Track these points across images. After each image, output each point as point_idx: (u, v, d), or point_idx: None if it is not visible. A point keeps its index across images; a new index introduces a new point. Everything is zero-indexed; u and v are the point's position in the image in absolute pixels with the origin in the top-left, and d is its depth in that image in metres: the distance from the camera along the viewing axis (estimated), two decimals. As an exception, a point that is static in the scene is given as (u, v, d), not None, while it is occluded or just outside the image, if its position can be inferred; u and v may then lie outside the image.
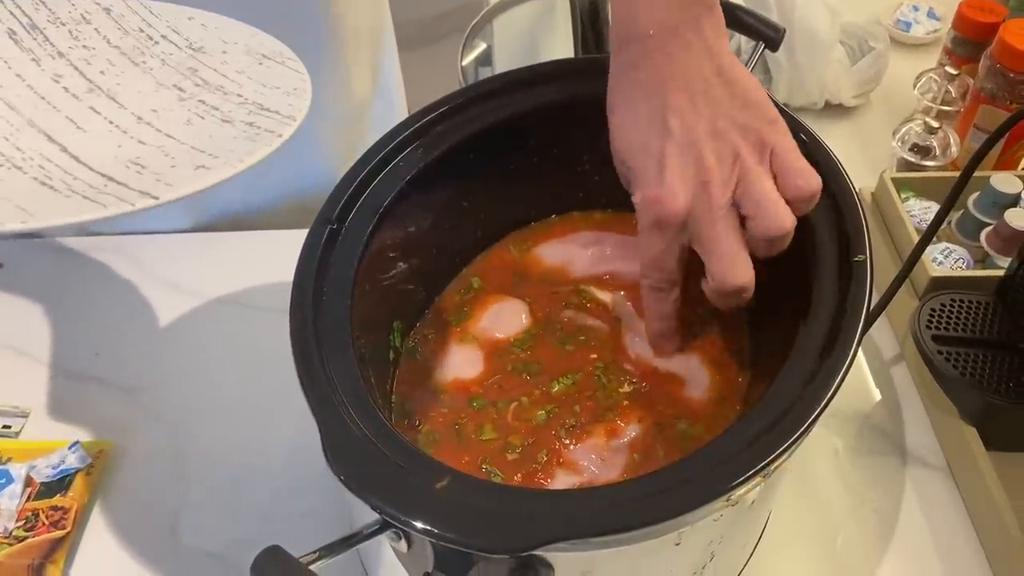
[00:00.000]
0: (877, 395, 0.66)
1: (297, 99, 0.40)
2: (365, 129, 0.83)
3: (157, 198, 0.32)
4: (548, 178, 0.59)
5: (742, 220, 0.44)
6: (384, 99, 0.85)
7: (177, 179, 0.34)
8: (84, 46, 0.38)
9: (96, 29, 0.38)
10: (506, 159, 0.57)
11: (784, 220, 0.43)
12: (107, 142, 0.35)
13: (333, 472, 0.37)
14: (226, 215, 0.80)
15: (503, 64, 1.07)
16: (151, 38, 0.39)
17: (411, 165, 0.52)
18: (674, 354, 0.53)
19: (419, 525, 0.35)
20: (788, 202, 0.44)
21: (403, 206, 0.51)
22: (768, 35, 0.56)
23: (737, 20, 0.57)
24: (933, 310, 0.62)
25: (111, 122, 0.36)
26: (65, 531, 0.55)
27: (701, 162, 0.43)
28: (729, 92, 0.45)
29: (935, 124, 0.77)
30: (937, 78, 0.82)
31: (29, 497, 0.57)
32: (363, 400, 0.41)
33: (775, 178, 0.44)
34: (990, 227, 0.69)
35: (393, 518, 0.36)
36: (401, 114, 0.89)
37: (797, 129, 0.49)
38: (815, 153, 0.49)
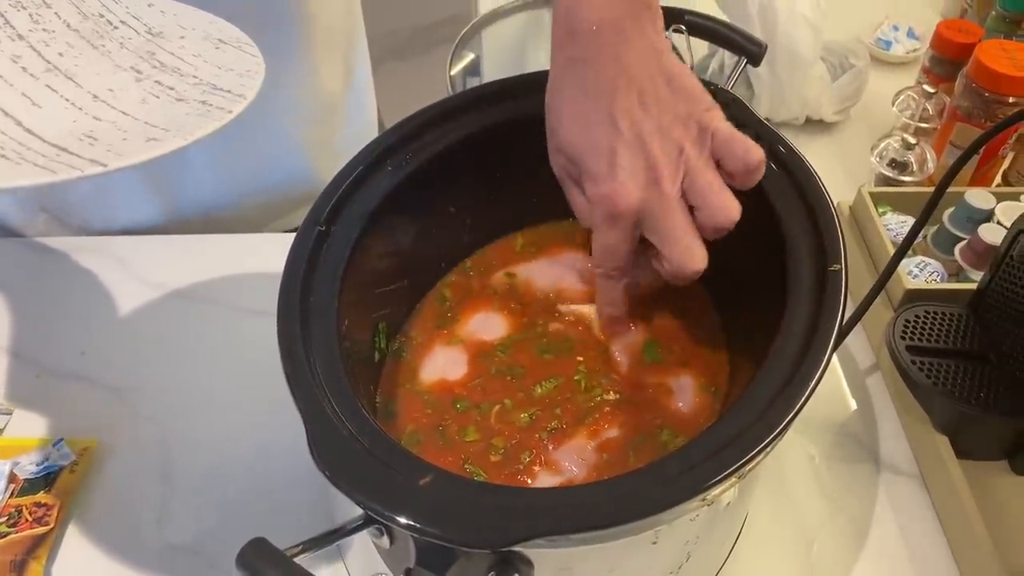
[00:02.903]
0: (852, 404, 0.67)
1: (250, 79, 0.41)
2: (335, 128, 0.84)
3: (106, 165, 0.34)
4: (533, 186, 0.60)
5: (690, 209, 0.46)
6: (355, 99, 0.86)
7: (127, 149, 0.35)
8: (44, 29, 0.38)
9: (56, 13, 0.39)
10: (492, 166, 0.58)
11: (730, 209, 0.46)
12: (62, 118, 0.36)
13: (319, 468, 0.38)
14: (198, 206, 0.81)
15: (491, 74, 1.09)
16: (111, 23, 0.40)
17: (400, 170, 0.53)
18: (624, 335, 0.55)
19: (402, 520, 0.36)
20: (737, 174, 0.46)
21: (391, 210, 0.52)
22: (751, 50, 0.57)
23: (720, 35, 0.59)
24: (908, 321, 0.63)
25: (67, 100, 0.37)
26: (48, 527, 0.56)
27: (650, 159, 0.45)
28: (671, 88, 0.47)
29: (912, 140, 0.78)
30: (915, 96, 0.84)
31: (12, 493, 0.57)
32: (348, 398, 0.42)
33: (720, 161, 0.47)
34: (964, 242, 0.71)
35: (377, 513, 0.37)
36: (371, 116, 0.90)
37: (776, 142, 0.50)
38: (793, 165, 0.50)
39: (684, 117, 0.46)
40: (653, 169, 0.45)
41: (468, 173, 0.56)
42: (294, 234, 0.72)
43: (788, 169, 0.50)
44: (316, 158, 0.83)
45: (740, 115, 0.52)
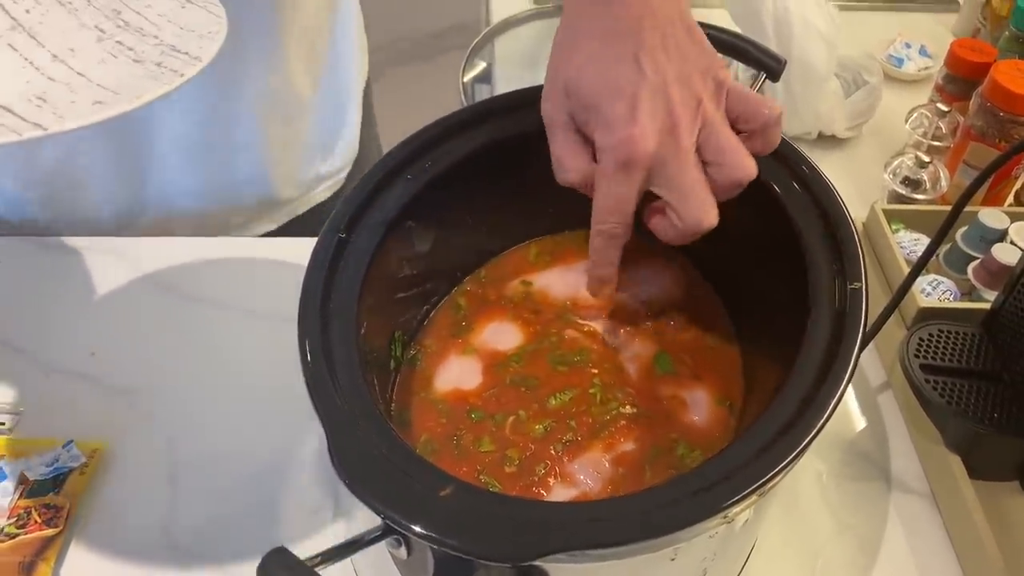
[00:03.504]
0: (863, 421, 0.67)
1: (209, 42, 0.41)
2: (304, 129, 0.83)
3: (46, 129, 0.34)
4: (548, 196, 0.60)
5: (703, 165, 0.45)
6: (330, 106, 0.85)
7: (71, 112, 0.35)
8: None
9: None
10: (508, 176, 0.58)
11: (748, 167, 0.45)
12: (17, 78, 0.36)
13: (339, 476, 0.38)
14: (160, 198, 0.80)
15: (503, 82, 1.09)
16: None
17: (419, 179, 0.52)
18: (610, 298, 0.54)
19: (422, 531, 0.36)
20: (756, 133, 0.46)
21: (410, 219, 0.52)
22: (770, 66, 0.57)
23: (740, 50, 0.58)
24: (921, 339, 0.63)
25: (26, 59, 0.36)
26: (57, 529, 0.55)
27: (670, 106, 0.44)
28: (692, 39, 0.46)
29: (926, 159, 0.79)
30: (928, 114, 0.84)
31: (21, 495, 0.57)
32: (368, 406, 0.41)
33: (737, 118, 0.46)
34: (977, 261, 0.71)
35: (396, 523, 0.36)
36: (352, 131, 0.90)
37: (799, 161, 0.50)
38: (813, 181, 0.50)
39: (703, 69, 0.45)
40: (672, 116, 0.44)
41: (485, 183, 0.56)
42: (303, 239, 0.72)
43: (808, 185, 0.50)
44: (277, 161, 0.81)
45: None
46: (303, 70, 0.79)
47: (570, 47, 0.47)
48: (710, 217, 0.45)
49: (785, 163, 0.50)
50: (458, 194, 0.55)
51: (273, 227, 0.85)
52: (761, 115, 0.46)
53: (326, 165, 0.87)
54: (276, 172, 0.82)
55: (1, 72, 0.35)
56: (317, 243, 0.48)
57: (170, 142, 0.76)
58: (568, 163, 0.48)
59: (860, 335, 0.43)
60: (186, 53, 0.39)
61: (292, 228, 0.86)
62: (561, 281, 0.60)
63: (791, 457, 0.38)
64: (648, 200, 0.47)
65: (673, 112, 0.44)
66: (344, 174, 0.90)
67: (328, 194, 0.88)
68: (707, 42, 0.47)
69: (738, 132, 0.46)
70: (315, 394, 0.41)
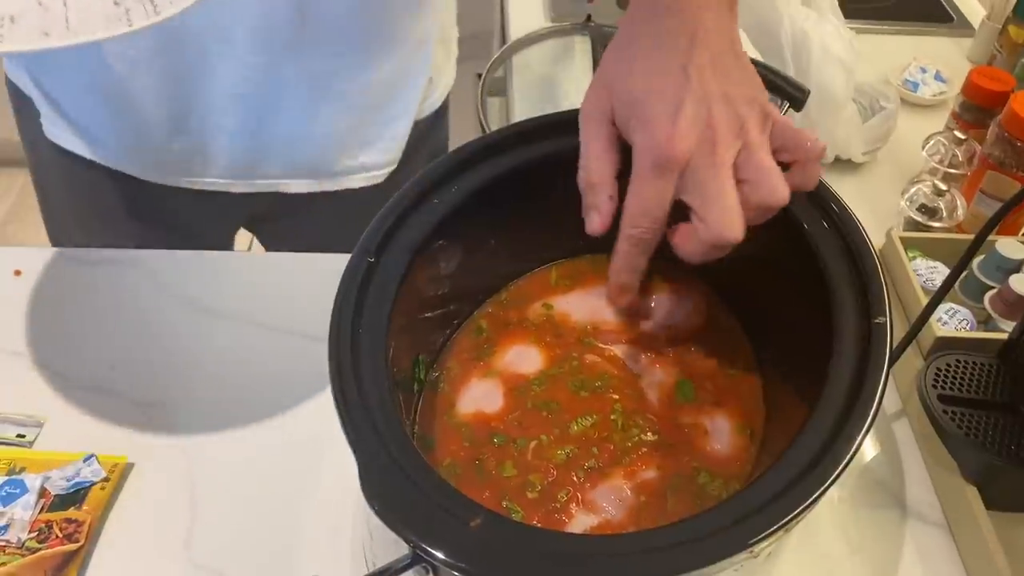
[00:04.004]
0: (878, 448, 0.67)
1: (178, 1, 0.41)
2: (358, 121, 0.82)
3: None
4: (571, 220, 0.60)
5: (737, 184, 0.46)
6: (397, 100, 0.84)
7: (20, 37, 0.35)
8: None
9: None
10: (532, 201, 0.58)
11: (783, 191, 0.46)
12: None
13: (368, 502, 0.38)
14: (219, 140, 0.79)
15: (520, 98, 1.09)
16: None
17: (445, 203, 0.53)
18: (630, 306, 0.55)
19: (454, 561, 0.36)
20: (796, 166, 0.47)
21: (437, 242, 0.52)
22: (795, 96, 0.58)
23: (766, 79, 0.59)
24: (939, 369, 0.64)
25: None
26: (78, 544, 0.56)
27: (711, 119, 0.45)
28: (739, 64, 0.47)
29: (943, 187, 0.79)
30: (945, 141, 0.85)
31: (43, 508, 0.57)
32: (398, 432, 0.42)
33: (778, 148, 0.47)
34: (994, 290, 0.71)
35: (427, 553, 0.37)
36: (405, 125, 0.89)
37: (829, 200, 0.51)
38: (843, 221, 0.50)
39: (749, 96, 0.46)
40: (712, 129, 0.45)
41: (509, 207, 0.57)
42: (326, 255, 0.72)
43: (835, 222, 0.51)
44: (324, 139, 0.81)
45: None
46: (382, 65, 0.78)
47: (623, 51, 0.48)
48: (734, 229, 0.45)
49: (814, 198, 0.51)
50: (483, 218, 0.55)
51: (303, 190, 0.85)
52: (804, 148, 0.47)
53: (364, 156, 0.85)
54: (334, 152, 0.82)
55: None
56: (347, 266, 0.48)
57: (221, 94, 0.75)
58: (593, 158, 0.49)
59: (885, 371, 0.44)
60: (155, 5, 0.39)
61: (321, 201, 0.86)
62: (582, 305, 0.60)
63: (816, 495, 0.39)
64: (675, 219, 0.48)
65: (713, 124, 0.45)
66: (383, 172, 0.88)
67: (364, 183, 0.87)
68: (756, 74, 0.48)
69: (779, 164, 0.47)
70: (346, 419, 0.41)
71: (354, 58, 0.76)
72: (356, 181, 0.86)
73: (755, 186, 0.45)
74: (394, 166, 0.87)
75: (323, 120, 0.79)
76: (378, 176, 0.87)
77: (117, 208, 0.86)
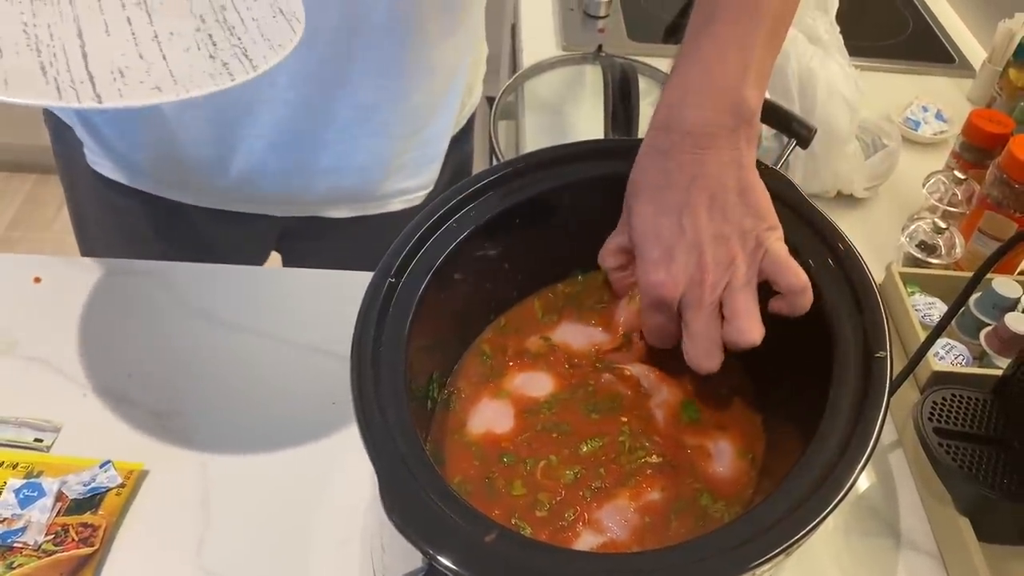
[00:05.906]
0: (873, 478, 0.69)
1: (273, 55, 0.43)
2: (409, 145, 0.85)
3: (101, 103, 0.36)
4: (581, 244, 0.62)
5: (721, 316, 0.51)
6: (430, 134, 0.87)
7: (131, 93, 0.37)
8: None
9: None
10: (546, 226, 0.60)
11: (751, 333, 0.50)
12: (117, 50, 0.38)
13: (387, 515, 0.40)
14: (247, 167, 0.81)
15: (531, 123, 1.12)
16: None
17: (463, 226, 0.55)
18: (630, 328, 0.59)
19: (468, 574, 0.38)
20: (785, 294, 0.50)
21: (453, 264, 0.54)
22: (802, 135, 0.60)
23: (774, 117, 0.61)
24: (935, 403, 0.66)
25: (134, 34, 0.39)
26: (94, 548, 0.57)
27: (701, 262, 0.50)
28: (743, 201, 0.51)
29: (943, 225, 0.81)
30: (945, 180, 0.87)
31: (59, 512, 0.59)
32: (416, 447, 0.43)
33: (769, 279, 0.50)
34: (990, 327, 0.73)
35: (444, 567, 0.38)
36: (436, 163, 0.91)
37: (836, 239, 0.53)
38: (848, 258, 0.52)
39: (744, 231, 0.50)
40: (701, 271, 0.50)
41: (523, 232, 0.59)
42: (343, 272, 0.74)
43: (836, 252, 0.53)
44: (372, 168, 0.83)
45: (791, 196, 0.55)
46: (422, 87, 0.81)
47: (638, 184, 0.54)
48: (709, 364, 0.51)
49: (820, 236, 0.53)
50: (498, 243, 0.57)
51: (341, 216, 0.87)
52: (787, 282, 0.50)
53: (405, 181, 0.87)
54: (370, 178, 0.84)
55: (110, 43, 0.38)
56: (369, 287, 0.50)
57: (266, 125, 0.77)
58: (610, 253, 0.57)
59: (885, 404, 0.46)
60: (250, 60, 0.41)
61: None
62: (578, 334, 0.62)
63: (816, 522, 0.40)
64: None
65: (703, 267, 0.50)
66: (422, 195, 0.90)
67: (403, 206, 0.89)
68: (763, 203, 0.51)
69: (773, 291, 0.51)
70: (367, 434, 0.43)
71: (397, 88, 0.78)
72: (396, 204, 0.88)
73: (730, 327, 0.50)
74: (431, 187, 0.89)
75: (366, 150, 0.81)
76: (416, 198, 0.89)
77: (152, 230, 0.89)
